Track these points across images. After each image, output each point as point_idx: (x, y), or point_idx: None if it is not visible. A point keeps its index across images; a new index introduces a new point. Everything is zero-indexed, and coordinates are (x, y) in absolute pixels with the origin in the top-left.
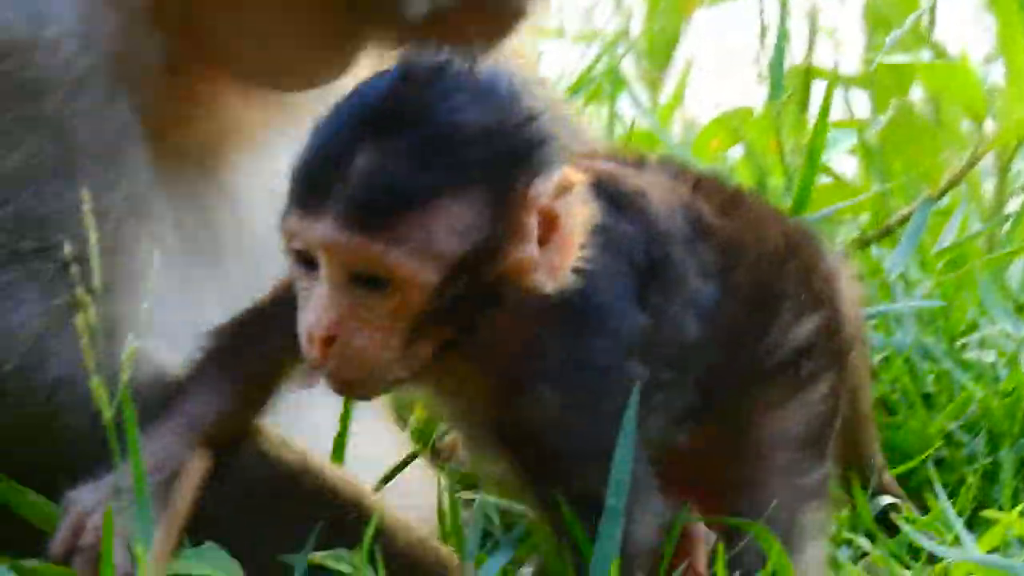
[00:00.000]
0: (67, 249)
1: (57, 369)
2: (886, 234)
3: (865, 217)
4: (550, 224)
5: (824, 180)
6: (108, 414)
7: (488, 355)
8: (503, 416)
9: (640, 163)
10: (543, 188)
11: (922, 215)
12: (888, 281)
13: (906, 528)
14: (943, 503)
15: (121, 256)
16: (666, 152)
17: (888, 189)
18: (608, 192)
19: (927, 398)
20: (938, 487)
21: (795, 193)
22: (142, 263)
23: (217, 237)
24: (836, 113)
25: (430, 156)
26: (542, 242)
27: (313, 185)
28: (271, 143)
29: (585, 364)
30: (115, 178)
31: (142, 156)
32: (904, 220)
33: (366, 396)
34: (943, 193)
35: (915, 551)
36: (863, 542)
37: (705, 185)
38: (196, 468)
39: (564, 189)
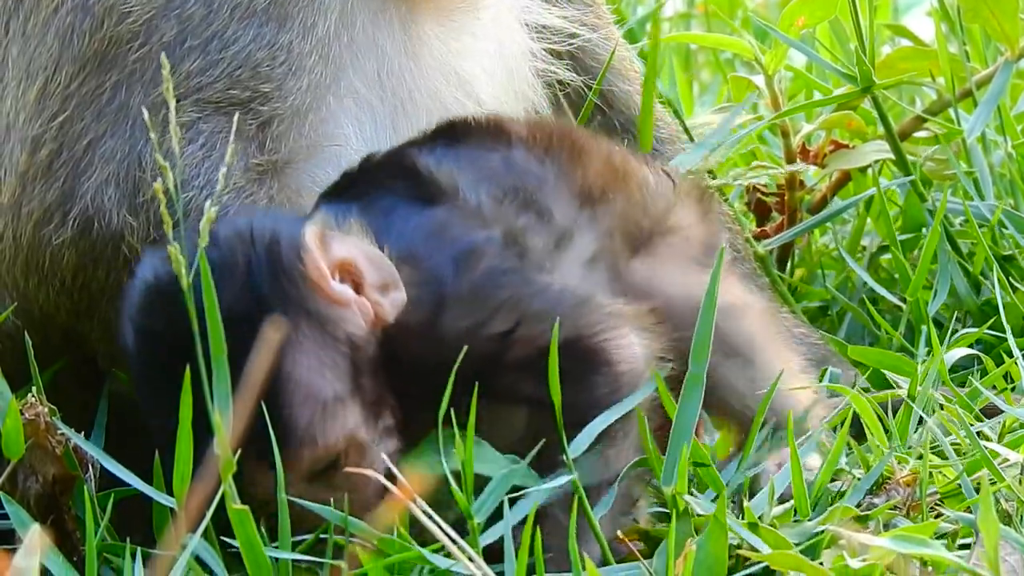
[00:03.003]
0: (266, 108)
1: None
2: (965, 96)
3: (943, 80)
4: (347, 270)
5: (903, 43)
6: (186, 281)
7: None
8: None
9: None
10: (315, 266)
11: (1002, 77)
12: (967, 144)
13: (976, 384)
14: (1017, 358)
15: (311, 117)
16: (746, 18)
17: (966, 51)
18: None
19: (1008, 260)
20: (1012, 343)
21: (859, 62)
22: (329, 126)
23: (395, 92)
24: None
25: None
26: (359, 285)
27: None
28: (456, 15)
29: (429, 284)
30: (312, 22)
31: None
32: (983, 82)
33: None
34: (1022, 55)
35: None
36: (937, 396)
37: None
38: (272, 337)
39: (323, 238)
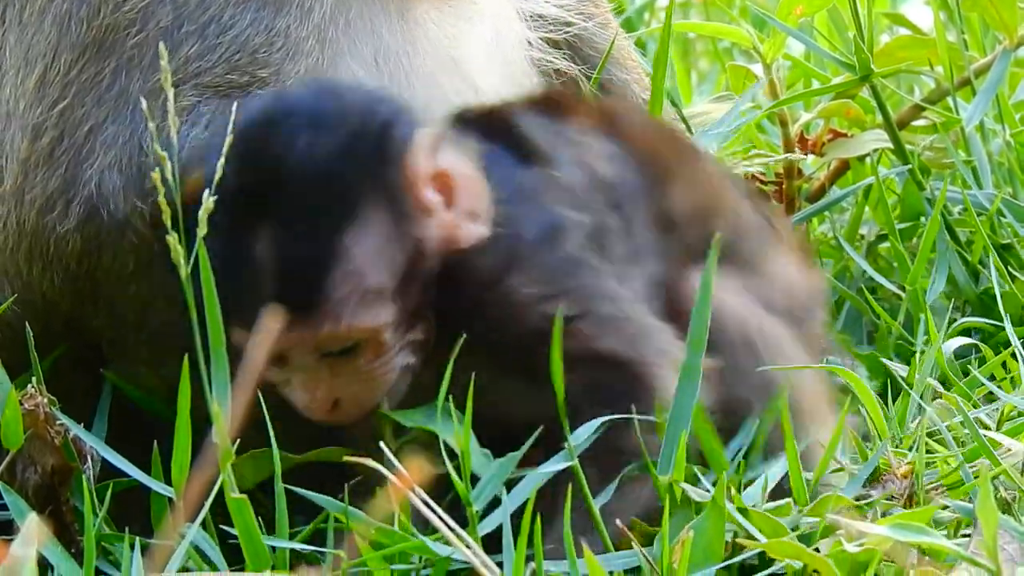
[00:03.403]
0: (266, 91)
1: None
2: (963, 85)
3: (942, 68)
4: (445, 183)
5: (901, 31)
6: (185, 271)
7: (469, 308)
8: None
9: None
10: (417, 162)
11: (1000, 66)
12: (965, 133)
13: (975, 372)
14: (1016, 347)
15: None
16: (744, 6)
17: (965, 40)
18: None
19: (1006, 249)
20: (1011, 331)
21: (857, 50)
22: None
23: (392, 76)
24: None
25: (305, 221)
26: (449, 202)
27: (238, 297)
28: (453, 1)
29: (510, 236)
30: (309, 6)
31: None
32: (981, 71)
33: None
34: (1020, 44)
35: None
36: (935, 384)
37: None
38: (270, 328)
39: (435, 144)
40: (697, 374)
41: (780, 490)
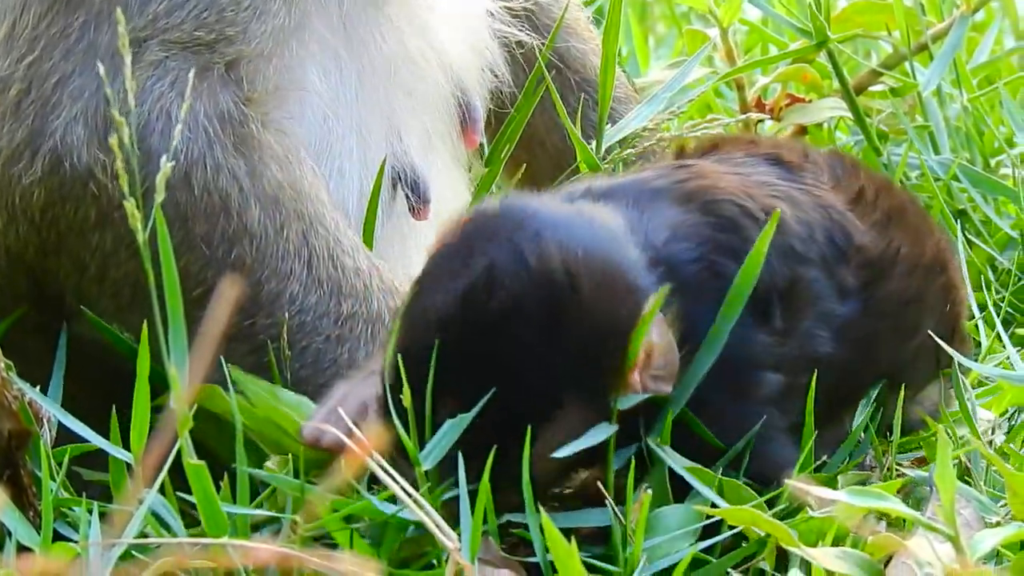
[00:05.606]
0: (231, 51)
1: (219, 167)
2: (920, 50)
3: (899, 33)
4: (646, 353)
5: None
6: (142, 237)
7: None
8: None
9: (801, 163)
10: (640, 355)
11: (958, 31)
12: (922, 97)
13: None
14: (977, 319)
15: (275, 62)
16: None
17: (922, 5)
18: (736, 214)
19: (962, 215)
20: (972, 299)
21: (813, 17)
22: (295, 72)
23: (361, 40)
24: None
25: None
26: (644, 367)
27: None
28: None
29: (719, 385)
30: None
31: None
32: (938, 36)
33: None
34: (977, 8)
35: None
36: None
37: (867, 195)
38: (229, 293)
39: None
40: (722, 339)
41: None
